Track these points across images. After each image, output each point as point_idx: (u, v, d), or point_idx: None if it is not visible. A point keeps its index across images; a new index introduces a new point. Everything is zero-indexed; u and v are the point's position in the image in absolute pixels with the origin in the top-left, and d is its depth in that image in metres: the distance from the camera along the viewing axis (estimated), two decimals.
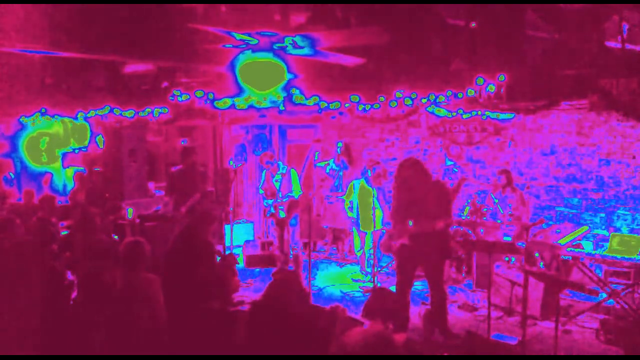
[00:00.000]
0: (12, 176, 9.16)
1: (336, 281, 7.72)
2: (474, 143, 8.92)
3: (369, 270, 7.35)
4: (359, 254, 7.76)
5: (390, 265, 8.16)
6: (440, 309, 5.61)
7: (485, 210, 7.49)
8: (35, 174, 9.82)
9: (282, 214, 7.60)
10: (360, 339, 3.12)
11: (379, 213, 7.01)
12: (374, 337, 3.15)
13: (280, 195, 7.55)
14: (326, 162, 9.08)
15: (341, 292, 7.25)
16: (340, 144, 8.95)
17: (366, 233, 7.42)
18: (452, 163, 8.47)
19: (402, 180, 5.58)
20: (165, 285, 4.18)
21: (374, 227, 6.89)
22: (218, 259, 5.65)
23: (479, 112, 7.02)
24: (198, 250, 5.04)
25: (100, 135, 9.76)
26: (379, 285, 6.73)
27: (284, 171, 7.59)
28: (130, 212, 7.61)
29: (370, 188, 7.10)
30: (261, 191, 7.83)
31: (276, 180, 7.63)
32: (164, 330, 4.02)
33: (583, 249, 6.26)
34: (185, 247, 5.10)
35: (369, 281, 7.25)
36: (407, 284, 5.66)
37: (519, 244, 6.38)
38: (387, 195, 7.33)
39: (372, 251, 7.07)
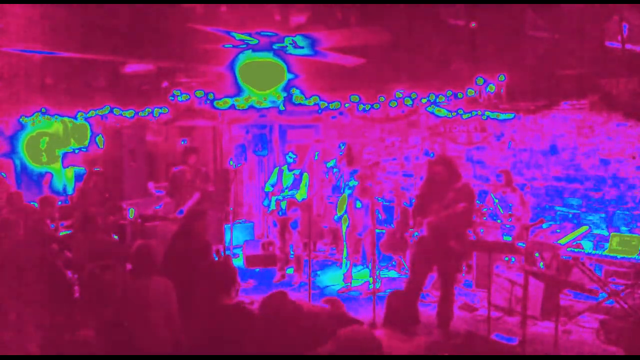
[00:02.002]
0: (4, 176, 9.15)
1: (336, 281, 7.72)
2: (474, 143, 8.92)
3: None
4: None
5: (390, 265, 8.17)
6: (445, 309, 5.62)
7: (485, 210, 7.50)
8: (35, 174, 9.82)
9: (283, 212, 7.58)
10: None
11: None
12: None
13: (285, 193, 7.53)
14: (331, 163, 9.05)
15: (341, 292, 7.26)
16: (342, 145, 8.92)
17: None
18: None
19: (430, 176, 5.61)
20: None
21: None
22: (216, 259, 5.64)
23: (479, 112, 7.02)
24: (195, 247, 5.04)
25: (100, 135, 9.76)
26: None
27: (298, 172, 7.58)
28: (132, 212, 7.62)
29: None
30: (269, 188, 7.75)
31: (287, 179, 7.61)
32: (178, 333, 3.99)
33: (583, 249, 6.26)
34: (183, 246, 5.10)
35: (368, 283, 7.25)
36: (417, 286, 5.64)
37: (519, 244, 6.38)
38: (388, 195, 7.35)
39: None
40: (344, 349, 2.98)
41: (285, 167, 7.64)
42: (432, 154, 8.39)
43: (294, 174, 7.55)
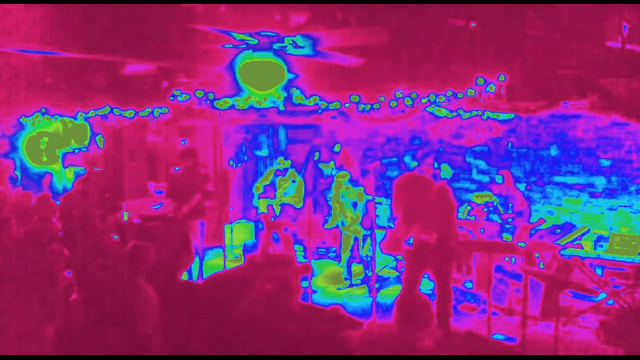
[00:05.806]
0: (18, 175, 9.18)
1: (336, 281, 7.72)
2: (474, 143, 8.92)
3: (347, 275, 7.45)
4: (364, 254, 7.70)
5: (389, 265, 8.17)
6: (444, 309, 5.61)
7: (485, 210, 7.49)
8: (35, 174, 9.82)
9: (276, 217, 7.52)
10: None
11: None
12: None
13: (283, 199, 7.46)
14: (326, 164, 9.00)
15: (339, 291, 7.27)
16: (338, 146, 8.89)
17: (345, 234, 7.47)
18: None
19: (402, 183, 5.58)
20: None
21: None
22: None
23: (479, 112, 7.03)
24: None
25: (100, 135, 9.77)
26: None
27: (296, 178, 7.54)
28: (125, 215, 7.60)
29: (355, 188, 7.25)
30: (260, 190, 7.66)
31: (282, 183, 7.56)
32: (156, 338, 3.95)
33: (583, 249, 6.26)
34: None
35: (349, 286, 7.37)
36: (413, 285, 5.64)
37: (519, 244, 6.38)
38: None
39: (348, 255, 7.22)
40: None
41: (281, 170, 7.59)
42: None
43: (291, 180, 7.50)
